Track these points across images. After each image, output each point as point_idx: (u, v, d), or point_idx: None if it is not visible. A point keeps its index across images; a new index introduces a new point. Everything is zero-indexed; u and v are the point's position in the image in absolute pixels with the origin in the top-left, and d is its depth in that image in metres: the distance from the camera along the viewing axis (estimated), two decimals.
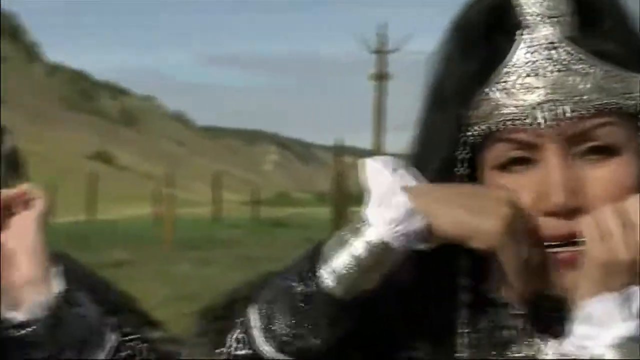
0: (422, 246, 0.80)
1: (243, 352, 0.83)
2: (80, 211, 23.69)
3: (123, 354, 0.95)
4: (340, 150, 19.43)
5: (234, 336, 0.85)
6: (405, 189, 0.80)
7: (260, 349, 0.82)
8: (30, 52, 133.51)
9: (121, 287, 1.11)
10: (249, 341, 0.83)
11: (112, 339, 0.95)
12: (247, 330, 0.83)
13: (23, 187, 0.96)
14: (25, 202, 0.95)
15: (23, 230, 0.94)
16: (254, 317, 0.83)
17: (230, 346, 0.84)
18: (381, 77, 29.56)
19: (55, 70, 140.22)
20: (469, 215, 0.78)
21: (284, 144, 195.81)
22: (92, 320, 0.94)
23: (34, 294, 0.91)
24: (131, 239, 15.37)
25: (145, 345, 0.98)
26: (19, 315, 0.90)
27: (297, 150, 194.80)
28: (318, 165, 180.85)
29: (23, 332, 0.90)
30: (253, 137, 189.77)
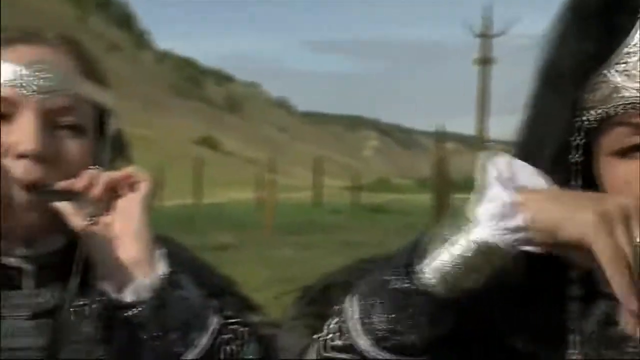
0: (529, 248, 0.76)
1: (339, 342, 0.82)
2: (187, 195, 24.40)
3: (225, 337, 0.94)
4: (441, 136, 19.16)
5: (331, 325, 0.84)
6: (515, 188, 0.76)
7: (356, 341, 0.80)
8: (141, 40, 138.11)
9: (224, 270, 1.13)
10: (344, 332, 0.81)
11: (214, 322, 0.94)
12: (344, 320, 0.82)
13: (128, 170, 0.96)
14: (131, 185, 0.95)
15: (128, 212, 0.93)
16: (351, 309, 0.82)
17: (328, 334, 0.83)
18: (485, 61, 28.91)
19: (164, 57, 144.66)
20: (562, 206, 0.74)
21: (385, 130, 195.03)
22: (195, 303, 0.94)
23: (139, 275, 0.91)
24: (235, 223, 15.70)
25: (246, 329, 0.98)
26: (125, 297, 0.91)
27: (398, 136, 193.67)
28: (419, 151, 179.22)
29: (129, 313, 0.91)
30: (354, 123, 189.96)
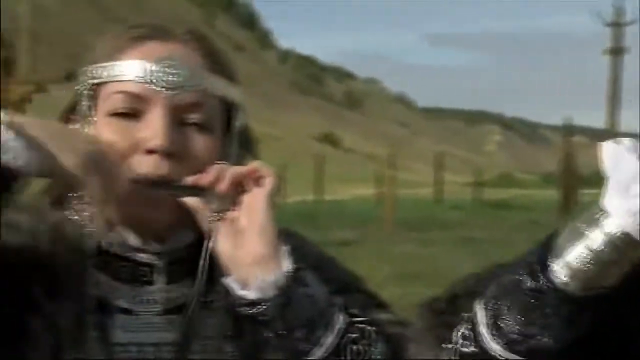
0: None
1: (469, 349, 0.80)
2: (309, 191, 24.72)
3: (352, 336, 0.91)
4: (569, 130, 18.46)
5: (460, 332, 0.81)
6: None
7: (487, 346, 0.78)
8: (264, 40, 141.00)
9: (346, 265, 1.10)
10: (475, 338, 0.79)
11: (340, 320, 0.92)
12: (473, 326, 0.80)
13: (254, 165, 0.95)
14: (256, 180, 0.94)
15: (253, 207, 0.92)
16: (480, 313, 0.79)
17: (457, 342, 0.81)
18: (617, 51, 27.58)
19: (287, 56, 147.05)
20: None
21: (508, 124, 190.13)
22: (320, 300, 0.91)
23: (263, 272, 0.89)
24: (355, 219, 15.77)
25: (373, 328, 0.94)
26: (249, 294, 0.89)
27: (522, 130, 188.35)
28: (544, 146, 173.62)
29: (254, 310, 0.89)
30: (475, 117, 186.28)
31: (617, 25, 28.06)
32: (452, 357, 0.81)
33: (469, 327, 0.80)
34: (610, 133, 26.22)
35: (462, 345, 0.81)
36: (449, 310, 0.86)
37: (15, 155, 0.80)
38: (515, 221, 16.49)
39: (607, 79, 27.58)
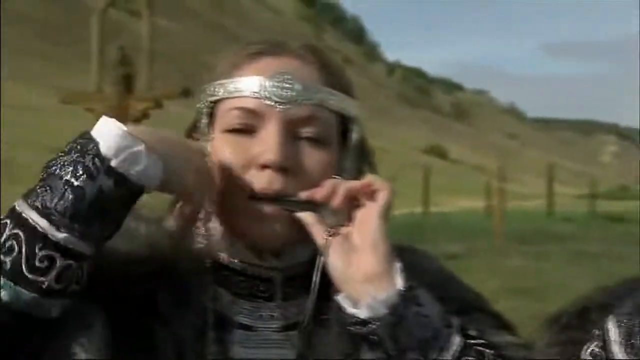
0: None
1: None
2: (416, 203, 24.52)
3: (468, 359, 0.87)
4: None
5: (590, 349, 0.78)
6: None
7: None
8: (372, 53, 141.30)
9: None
10: (606, 356, 0.76)
11: (456, 342, 0.87)
12: (604, 344, 0.76)
13: (368, 179, 0.92)
14: (370, 194, 0.91)
15: (367, 222, 0.90)
16: (613, 331, 0.75)
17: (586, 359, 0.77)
18: None
19: (394, 68, 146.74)
20: None
21: (624, 134, 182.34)
22: (435, 320, 0.87)
23: (374, 290, 0.86)
24: (464, 231, 15.50)
25: (491, 351, 0.89)
26: (360, 312, 0.86)
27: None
28: None
29: (364, 329, 0.86)
30: (588, 128, 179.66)
31: None
32: None
33: (600, 344, 0.77)
34: None
35: None
36: (578, 325, 0.82)
37: (150, 174, 0.82)
38: (631, 235, 15.77)
39: None
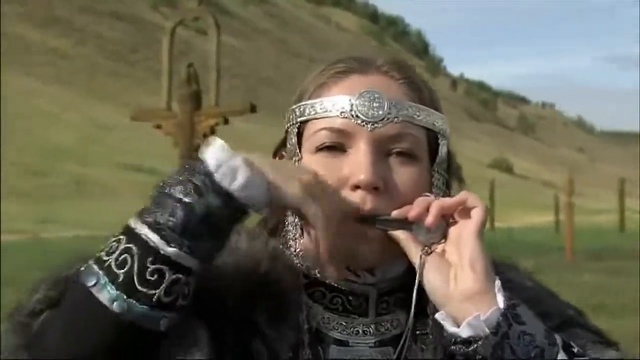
0: None
1: None
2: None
3: None
4: None
5: None
6: None
7: None
8: (436, 67, 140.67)
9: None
10: None
11: (560, 358, 0.85)
12: None
13: (462, 195, 0.90)
14: (465, 211, 0.89)
15: (463, 240, 0.88)
16: None
17: None
18: None
19: (458, 82, 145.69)
20: None
21: None
22: (538, 338, 0.84)
23: (475, 308, 0.84)
24: (532, 247, 15.17)
25: None
26: (461, 331, 0.84)
27: None
28: None
29: (467, 349, 0.84)
30: None
31: None
32: None
33: None
34: None
35: None
36: None
37: (254, 191, 0.83)
38: None
39: None
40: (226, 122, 6.22)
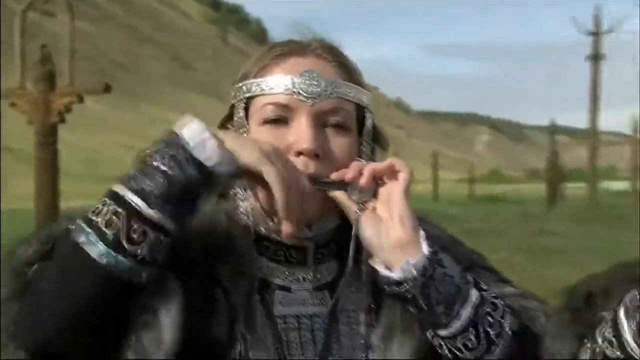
0: None
1: (614, 354, 0.78)
2: None
3: (486, 309, 0.94)
4: (554, 130, 18.40)
5: (603, 334, 0.79)
6: None
7: (636, 355, 0.75)
8: None
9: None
10: (621, 345, 0.76)
11: (474, 295, 0.94)
12: (617, 333, 0.77)
13: (390, 161, 0.97)
14: (393, 174, 0.97)
15: (392, 198, 0.95)
16: (626, 323, 0.76)
17: (600, 344, 0.79)
18: (596, 57, 27.45)
19: None
20: None
21: (496, 126, 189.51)
22: (456, 278, 0.93)
23: (405, 255, 0.92)
24: None
25: (500, 300, 0.96)
26: (394, 275, 0.93)
27: (509, 131, 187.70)
28: (528, 145, 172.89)
29: (399, 289, 0.92)
30: (466, 120, 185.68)
31: (596, 34, 27.94)
32: (595, 358, 0.80)
33: (613, 332, 0.78)
34: (591, 132, 26.13)
35: (606, 347, 0.78)
36: (585, 309, 0.85)
37: (222, 158, 0.89)
38: (508, 213, 16.39)
39: (588, 83, 27.45)
40: (81, 100, 5.99)
